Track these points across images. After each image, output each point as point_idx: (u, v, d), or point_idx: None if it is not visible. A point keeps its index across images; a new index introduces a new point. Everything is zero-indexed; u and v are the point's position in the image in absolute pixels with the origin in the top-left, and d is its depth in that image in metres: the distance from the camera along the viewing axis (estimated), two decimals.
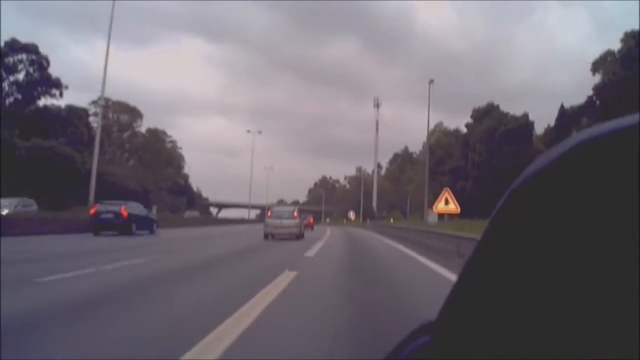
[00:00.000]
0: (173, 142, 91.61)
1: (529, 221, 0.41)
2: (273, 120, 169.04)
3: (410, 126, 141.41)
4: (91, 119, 73.79)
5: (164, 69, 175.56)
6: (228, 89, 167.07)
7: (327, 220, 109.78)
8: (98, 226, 22.58)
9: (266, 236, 20.75)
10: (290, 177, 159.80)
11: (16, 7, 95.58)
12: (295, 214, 21.73)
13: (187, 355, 3.65)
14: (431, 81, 32.35)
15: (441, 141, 45.57)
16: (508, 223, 0.42)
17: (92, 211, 23.78)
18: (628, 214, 0.36)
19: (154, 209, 62.60)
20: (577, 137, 0.40)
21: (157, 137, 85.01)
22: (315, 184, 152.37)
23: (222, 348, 3.87)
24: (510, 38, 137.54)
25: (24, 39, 53.47)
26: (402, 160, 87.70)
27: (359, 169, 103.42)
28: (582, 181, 0.39)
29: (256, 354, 3.99)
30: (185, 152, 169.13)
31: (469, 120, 53.65)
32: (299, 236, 21.57)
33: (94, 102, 79.29)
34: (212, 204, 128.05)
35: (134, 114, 78.18)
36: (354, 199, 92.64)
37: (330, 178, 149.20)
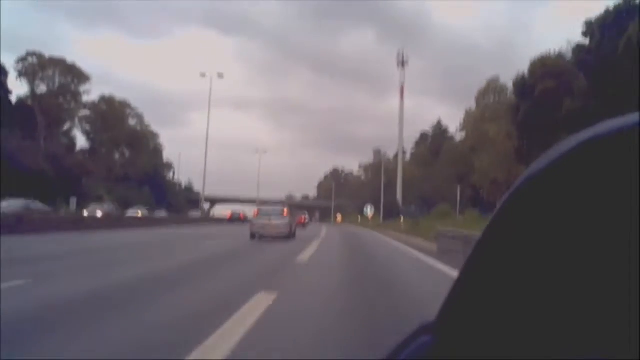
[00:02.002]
0: (139, 116, 71.79)
1: (530, 221, 0.41)
2: (287, 114, 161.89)
3: (429, 120, 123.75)
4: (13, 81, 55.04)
5: (176, 64, 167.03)
6: (242, 83, 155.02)
7: (338, 218, 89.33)
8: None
9: (253, 236, 19.42)
10: (304, 172, 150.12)
11: None
12: (285, 211, 20.49)
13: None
14: None
15: (547, 64, 25.15)
16: (509, 222, 0.42)
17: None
18: (629, 213, 0.36)
19: (73, 202, 42.49)
20: (578, 137, 0.40)
21: (113, 108, 65.22)
22: (326, 177, 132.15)
23: None
24: (529, 28, 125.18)
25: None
26: (435, 139, 66.72)
27: (377, 153, 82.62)
28: (583, 181, 0.39)
29: None
30: (196, 148, 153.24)
31: (580, 40, 30.90)
32: (289, 236, 19.96)
33: (22, 60, 60.29)
34: (206, 200, 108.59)
35: (77, 75, 58.39)
36: (372, 190, 72.11)
37: (343, 170, 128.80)
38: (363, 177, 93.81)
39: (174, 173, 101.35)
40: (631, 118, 0.39)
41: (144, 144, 74.53)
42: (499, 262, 0.43)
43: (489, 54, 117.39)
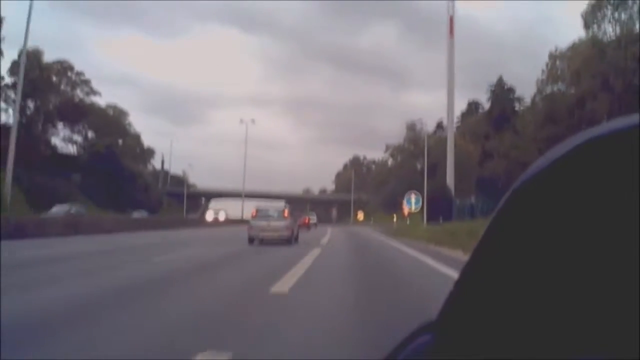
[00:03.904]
0: (86, 82, 53.35)
1: (530, 221, 0.41)
2: (306, 110, 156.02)
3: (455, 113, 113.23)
4: None
5: (196, 61, 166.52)
6: (261, 81, 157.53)
7: (358, 215, 70.31)
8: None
9: (251, 240, 17.74)
10: (321, 166, 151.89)
11: None
12: (286, 213, 18.75)
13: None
14: None
15: None
16: (509, 223, 0.43)
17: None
18: (629, 214, 0.36)
19: None
20: (578, 138, 0.40)
21: (41, 68, 46.98)
22: (345, 166, 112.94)
23: None
24: (554, 20, 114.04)
25: None
26: (497, 103, 46.86)
27: (411, 127, 62.56)
28: (583, 181, 0.39)
29: None
30: (215, 147, 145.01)
31: None
32: (290, 240, 18.18)
33: None
34: (201, 195, 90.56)
35: None
36: (406, 178, 52.51)
37: (365, 158, 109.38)
38: (390, 163, 74.05)
39: (162, 163, 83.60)
40: (631, 118, 0.38)
41: (99, 120, 56.40)
42: (499, 262, 0.42)
43: (513, 48, 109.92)
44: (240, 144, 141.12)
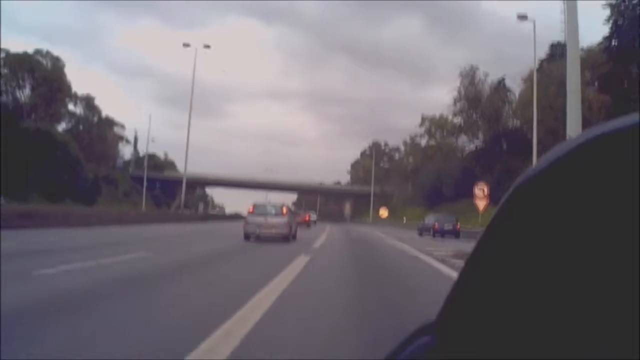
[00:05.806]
0: None
1: (531, 220, 0.41)
2: (328, 105, 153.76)
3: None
4: None
5: (215, 54, 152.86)
6: (280, 74, 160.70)
7: (381, 212, 52.02)
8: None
9: (247, 237, 17.36)
10: (338, 163, 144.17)
11: None
12: (284, 210, 18.60)
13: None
14: None
15: None
16: (511, 222, 0.42)
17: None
18: (629, 214, 0.36)
19: None
20: (580, 136, 0.40)
21: None
22: (363, 153, 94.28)
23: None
24: (580, 15, 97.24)
25: None
26: (626, 21, 27.95)
27: (468, 75, 43.31)
28: (585, 180, 0.39)
29: None
30: (233, 139, 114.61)
31: None
32: (288, 237, 17.79)
33: None
34: (181, 180, 73.22)
35: None
36: (453, 156, 34.10)
37: (386, 145, 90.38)
38: (425, 142, 54.95)
39: (135, 140, 65.93)
40: (631, 118, 0.38)
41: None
42: (499, 262, 0.42)
43: (538, 41, 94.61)
44: (256, 137, 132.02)
